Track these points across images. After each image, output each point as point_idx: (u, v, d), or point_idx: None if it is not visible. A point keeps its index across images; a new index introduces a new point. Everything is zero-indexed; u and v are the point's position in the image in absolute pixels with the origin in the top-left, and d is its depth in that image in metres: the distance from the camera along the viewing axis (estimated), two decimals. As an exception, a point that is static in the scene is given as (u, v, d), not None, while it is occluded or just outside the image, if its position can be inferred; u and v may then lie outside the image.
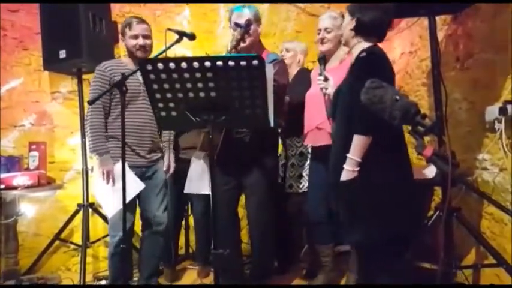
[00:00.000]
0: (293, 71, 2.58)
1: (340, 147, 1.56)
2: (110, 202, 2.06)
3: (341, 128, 1.61)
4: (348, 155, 1.50)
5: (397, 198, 1.51)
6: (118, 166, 2.04)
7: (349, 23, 1.64)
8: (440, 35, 2.40)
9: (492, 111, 2.01)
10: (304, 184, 2.39)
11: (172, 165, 2.29)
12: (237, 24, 1.97)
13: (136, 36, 2.08)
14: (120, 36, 2.20)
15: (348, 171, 1.50)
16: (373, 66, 1.52)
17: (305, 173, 2.40)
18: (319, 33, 2.14)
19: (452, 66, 2.39)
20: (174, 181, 2.44)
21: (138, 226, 2.29)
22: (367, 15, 1.58)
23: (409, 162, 1.60)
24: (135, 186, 2.03)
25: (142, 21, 2.14)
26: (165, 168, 2.24)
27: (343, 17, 2.11)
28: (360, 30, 1.61)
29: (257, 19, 2.06)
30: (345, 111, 1.58)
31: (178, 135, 2.55)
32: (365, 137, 1.47)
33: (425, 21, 2.29)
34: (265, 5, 3.15)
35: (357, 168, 1.49)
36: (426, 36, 2.29)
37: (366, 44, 1.61)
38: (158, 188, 2.18)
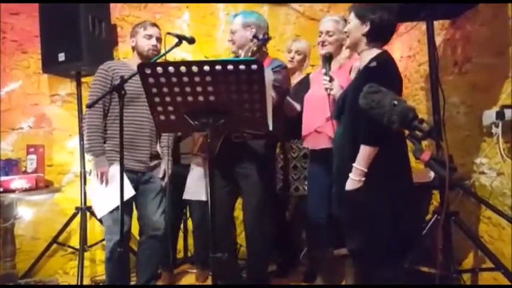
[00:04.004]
0: (300, 75, 2.57)
1: (345, 154, 1.56)
2: (100, 203, 2.05)
3: (346, 135, 1.60)
4: (354, 164, 1.50)
5: (400, 207, 1.51)
6: (113, 168, 2.05)
7: (358, 27, 1.59)
8: (439, 40, 2.41)
9: (489, 116, 2.02)
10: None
11: (168, 172, 2.25)
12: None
13: (150, 36, 2.15)
14: (130, 37, 2.21)
15: (354, 180, 1.50)
16: (382, 77, 1.50)
17: None
18: (320, 36, 2.12)
19: (450, 70, 2.40)
20: (172, 185, 2.43)
21: (135, 229, 2.27)
22: (381, 16, 1.54)
23: (410, 170, 1.60)
24: (125, 191, 2.02)
25: (155, 24, 2.23)
26: (160, 175, 2.20)
27: (345, 21, 2.11)
28: (373, 34, 1.57)
29: (248, 25, 2.07)
30: (352, 119, 1.57)
31: (178, 141, 2.54)
32: (371, 148, 1.48)
33: (423, 26, 2.31)
34: (265, 8, 3.16)
35: (363, 178, 1.49)
36: (424, 40, 2.30)
37: (375, 51, 1.59)
38: (155, 192, 2.16)
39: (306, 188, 2.37)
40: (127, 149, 2.04)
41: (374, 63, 1.54)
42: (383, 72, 1.52)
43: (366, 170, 1.49)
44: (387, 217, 1.50)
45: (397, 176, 1.53)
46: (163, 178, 2.22)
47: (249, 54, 1.90)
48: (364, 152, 1.48)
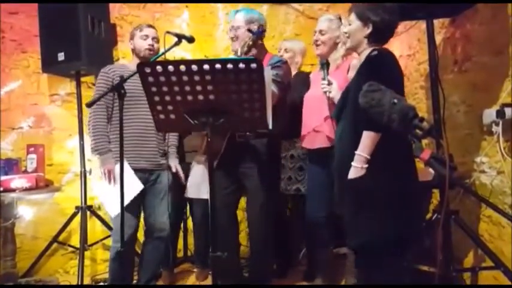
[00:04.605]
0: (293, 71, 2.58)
1: (347, 147, 1.56)
2: (113, 201, 2.05)
3: (348, 128, 1.60)
4: (356, 151, 1.49)
5: (402, 199, 1.50)
6: (118, 166, 2.05)
7: (360, 29, 1.60)
8: (438, 38, 2.41)
9: (490, 114, 2.01)
10: (293, 187, 2.40)
11: (179, 167, 2.28)
12: (249, 30, 1.97)
13: (146, 37, 2.17)
14: (129, 40, 2.23)
15: (357, 168, 1.48)
16: (384, 64, 1.51)
17: (294, 175, 2.40)
18: (314, 35, 2.15)
19: (450, 69, 2.40)
20: (173, 184, 2.42)
21: (139, 231, 2.27)
22: (382, 18, 1.55)
23: (414, 162, 1.59)
24: (134, 186, 2.03)
25: (152, 26, 2.26)
26: (174, 170, 2.23)
27: (340, 19, 2.11)
28: (375, 36, 1.58)
29: (250, 22, 2.06)
30: (353, 111, 1.56)
31: (182, 137, 2.54)
32: (374, 134, 1.46)
33: (423, 25, 2.31)
34: (264, 8, 3.16)
35: (366, 166, 1.47)
36: (424, 39, 2.30)
37: (376, 47, 1.61)
38: (162, 193, 2.18)
39: (288, 188, 2.41)
40: (134, 148, 2.06)
41: (375, 52, 1.55)
42: (383, 61, 1.52)
43: (368, 157, 1.47)
44: (391, 206, 1.48)
45: (400, 164, 1.52)
46: (176, 173, 2.24)
47: (245, 49, 1.89)
48: (367, 138, 1.46)
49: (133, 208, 2.04)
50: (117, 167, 2.03)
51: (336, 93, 1.85)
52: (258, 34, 1.95)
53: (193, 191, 2.43)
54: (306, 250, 2.65)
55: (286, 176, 2.44)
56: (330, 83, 1.90)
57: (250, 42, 1.90)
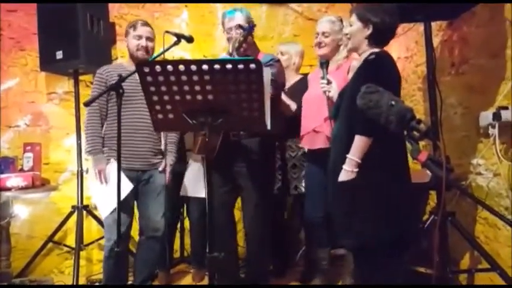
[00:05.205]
0: (288, 74, 2.56)
1: (341, 148, 1.57)
2: (104, 203, 2.05)
3: (343, 129, 1.61)
4: (347, 155, 1.50)
5: (395, 201, 1.51)
6: (111, 166, 2.05)
7: (361, 30, 1.61)
8: (436, 41, 2.42)
9: (486, 117, 2.03)
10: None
11: (169, 167, 2.21)
12: (240, 27, 1.97)
13: (139, 37, 2.11)
14: (124, 37, 2.21)
15: (347, 171, 1.50)
16: (381, 66, 1.53)
17: None
18: (316, 37, 2.15)
19: (447, 71, 2.42)
20: (172, 183, 2.41)
21: (135, 230, 2.27)
22: (383, 19, 1.56)
23: (408, 165, 1.60)
24: (123, 187, 2.02)
25: (146, 24, 2.18)
26: (160, 169, 2.16)
27: (341, 21, 2.12)
28: (375, 37, 1.60)
29: (249, 21, 2.06)
30: (348, 112, 1.57)
31: (183, 136, 2.52)
32: (366, 138, 1.48)
33: (420, 27, 2.32)
34: (263, 8, 3.16)
35: (356, 169, 1.49)
36: (422, 41, 2.32)
37: (375, 50, 1.62)
38: (156, 192, 2.15)
39: (301, 186, 2.38)
40: (126, 147, 2.04)
41: (373, 56, 1.56)
42: (381, 64, 1.54)
43: (359, 161, 1.49)
44: (384, 207, 1.49)
45: (394, 165, 1.53)
46: (163, 172, 2.18)
47: (236, 44, 1.88)
48: (359, 142, 1.48)
49: (125, 206, 2.01)
50: (108, 167, 2.05)
51: (335, 93, 1.86)
52: (249, 30, 1.95)
53: (189, 189, 2.42)
54: (304, 250, 2.65)
55: (300, 174, 2.40)
56: (329, 82, 1.90)
57: (241, 39, 1.90)
